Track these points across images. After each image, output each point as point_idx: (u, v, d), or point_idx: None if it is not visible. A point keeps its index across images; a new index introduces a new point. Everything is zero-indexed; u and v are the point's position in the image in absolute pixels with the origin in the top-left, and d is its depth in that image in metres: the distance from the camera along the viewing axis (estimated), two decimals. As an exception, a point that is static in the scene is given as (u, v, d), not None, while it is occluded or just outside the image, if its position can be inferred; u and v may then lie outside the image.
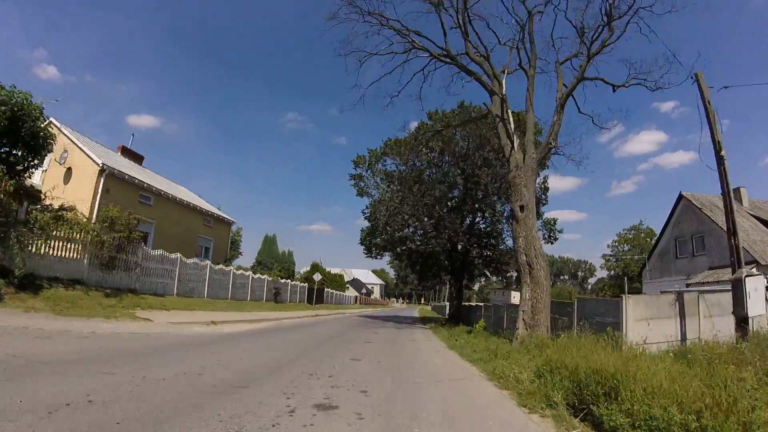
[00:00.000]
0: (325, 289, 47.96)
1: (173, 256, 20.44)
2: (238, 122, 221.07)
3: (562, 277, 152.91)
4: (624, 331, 11.00)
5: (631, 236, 61.26)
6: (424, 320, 34.16)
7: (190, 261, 21.66)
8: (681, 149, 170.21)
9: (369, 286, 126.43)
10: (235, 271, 26.14)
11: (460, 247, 29.29)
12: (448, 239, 24.37)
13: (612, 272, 63.43)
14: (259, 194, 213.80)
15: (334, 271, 70.01)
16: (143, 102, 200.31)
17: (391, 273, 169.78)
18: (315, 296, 38.76)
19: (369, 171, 28.59)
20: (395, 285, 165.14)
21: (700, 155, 19.59)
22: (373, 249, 29.70)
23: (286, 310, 27.50)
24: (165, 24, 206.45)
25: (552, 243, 29.52)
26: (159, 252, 19.65)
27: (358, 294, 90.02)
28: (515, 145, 15.48)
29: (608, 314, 11.71)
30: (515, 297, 69.53)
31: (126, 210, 18.69)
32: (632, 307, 11.37)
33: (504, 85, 17.05)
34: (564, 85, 17.08)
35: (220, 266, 24.59)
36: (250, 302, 26.65)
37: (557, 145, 15.96)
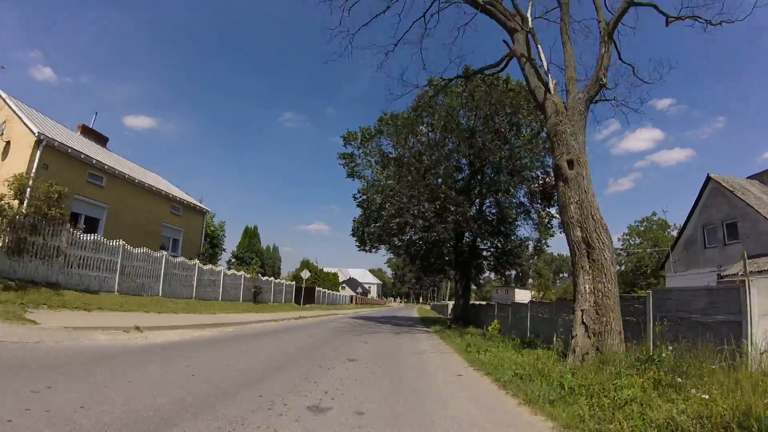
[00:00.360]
0: (317, 288, 43.80)
1: (113, 243, 16.28)
2: (235, 122, 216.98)
3: (561, 275, 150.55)
4: (749, 334, 6.94)
5: (643, 229, 57.39)
6: (425, 321, 30.06)
7: (138, 251, 17.50)
8: (678, 146, 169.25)
9: (366, 286, 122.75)
10: (201, 265, 21.97)
11: (466, 237, 25.26)
12: (455, 225, 20.25)
13: (623, 267, 59.45)
14: (257, 194, 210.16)
15: (329, 270, 65.74)
16: (139, 103, 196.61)
17: (389, 272, 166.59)
18: (303, 296, 34.61)
19: (361, 150, 24.49)
20: (392, 284, 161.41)
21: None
22: (367, 240, 25.61)
23: (264, 311, 23.36)
24: (161, 24, 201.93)
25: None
26: (93, 237, 15.49)
27: (354, 294, 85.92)
28: (551, 87, 11.49)
29: (716, 309, 7.67)
30: (519, 296, 65.37)
31: (47, 180, 14.59)
32: (757, 297, 7.32)
33: (530, 19, 13.07)
34: (606, 22, 13.19)
35: (182, 259, 20.45)
36: (221, 303, 22.49)
37: (607, 84, 11.93)
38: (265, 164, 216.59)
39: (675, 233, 56.95)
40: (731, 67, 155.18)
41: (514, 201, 24.18)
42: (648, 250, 53.72)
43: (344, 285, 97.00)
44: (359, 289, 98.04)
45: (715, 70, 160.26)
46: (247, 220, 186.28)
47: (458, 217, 19.18)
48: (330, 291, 53.95)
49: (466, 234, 25.27)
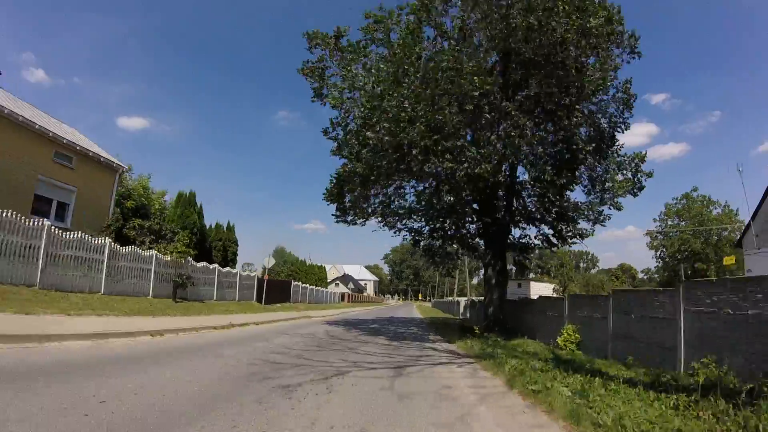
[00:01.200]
0: (293, 283, 34.53)
1: None
2: (229, 122, 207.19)
3: (563, 269, 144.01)
4: None
5: (681, 207, 48.43)
6: (436, 327, 21.01)
7: None
8: (672, 141, 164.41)
9: (362, 283, 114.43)
10: (58, 232, 12.76)
11: (502, 192, 16.05)
12: (503, 149, 10.76)
13: (660, 252, 50.66)
14: (253, 193, 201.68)
15: (315, 263, 56.15)
16: (133, 104, 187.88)
17: (386, 269, 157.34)
18: (267, 292, 25.23)
19: (337, 61, 15.08)
20: (390, 281, 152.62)
21: None
22: (349, 207, 16.49)
23: (177, 313, 14.23)
24: (154, 25, 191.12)
25: (635, 195, 16.36)
26: None
27: (347, 290, 76.94)
28: None
29: None
30: (536, 290, 56.18)
31: None
32: None
33: None
34: None
35: (8, 214, 11.21)
36: (95, 298, 13.24)
37: None
38: (260, 163, 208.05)
39: (721, 210, 48.20)
40: (726, 60, 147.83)
41: (576, 124, 14.72)
42: (690, 230, 44.91)
43: (338, 282, 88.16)
44: (350, 284, 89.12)
45: (709, 64, 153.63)
46: (241, 220, 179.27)
47: (512, 132, 9.95)
48: (315, 287, 44.78)
49: (501, 195, 16.18)
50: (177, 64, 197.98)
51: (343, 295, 63.60)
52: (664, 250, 51.03)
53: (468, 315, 29.89)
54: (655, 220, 49.99)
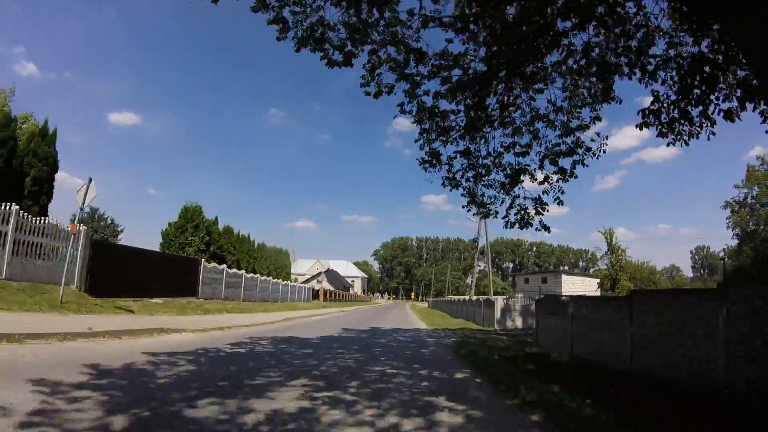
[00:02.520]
0: (204, 264, 20.62)
1: None
2: (220, 119, 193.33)
3: (562, 267, 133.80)
4: None
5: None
6: (485, 370, 7.62)
7: None
8: (663, 144, 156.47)
9: (348, 280, 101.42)
10: None
11: None
12: None
13: (743, 228, 37.96)
14: (243, 191, 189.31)
15: (306, 262, 41.59)
16: (124, 99, 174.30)
17: (376, 266, 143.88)
18: (90, 268, 11.53)
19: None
20: (380, 279, 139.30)
21: None
22: None
23: None
24: (145, 20, 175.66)
25: None
26: None
27: (329, 287, 63.28)
28: None
29: None
30: (570, 286, 43.02)
31: None
32: None
33: None
34: None
35: None
36: None
37: None
38: (251, 161, 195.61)
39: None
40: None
41: None
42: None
43: (320, 279, 75.06)
44: (321, 278, 74.85)
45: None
46: (232, 218, 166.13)
47: None
48: (266, 278, 31.19)
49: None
50: (168, 60, 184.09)
51: (316, 293, 49.85)
52: (739, 230, 38.43)
53: (520, 324, 16.41)
54: (737, 186, 37.16)
